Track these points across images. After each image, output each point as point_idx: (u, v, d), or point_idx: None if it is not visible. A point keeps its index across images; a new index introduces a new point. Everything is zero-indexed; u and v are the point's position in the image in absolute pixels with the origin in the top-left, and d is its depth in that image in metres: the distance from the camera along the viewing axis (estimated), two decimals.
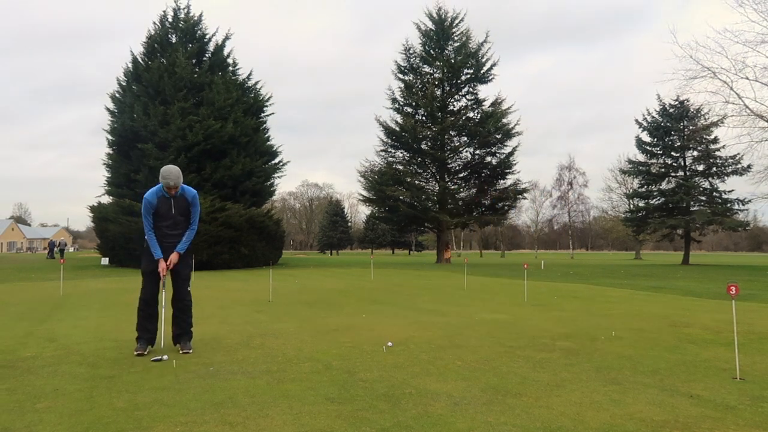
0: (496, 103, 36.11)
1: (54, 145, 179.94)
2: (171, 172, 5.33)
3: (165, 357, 5.13)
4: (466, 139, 36.69)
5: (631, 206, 48.76)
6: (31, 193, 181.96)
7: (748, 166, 34.42)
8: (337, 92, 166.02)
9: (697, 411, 3.57)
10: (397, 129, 36.13)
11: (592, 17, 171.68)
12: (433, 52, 36.77)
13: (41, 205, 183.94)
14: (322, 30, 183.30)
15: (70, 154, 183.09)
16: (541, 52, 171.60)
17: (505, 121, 35.50)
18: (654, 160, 41.03)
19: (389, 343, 5.73)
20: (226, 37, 29.84)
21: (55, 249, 44.46)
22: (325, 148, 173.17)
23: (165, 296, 5.63)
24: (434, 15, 36.64)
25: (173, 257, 5.46)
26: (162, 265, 5.39)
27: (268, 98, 30.99)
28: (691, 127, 38.03)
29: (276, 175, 31.44)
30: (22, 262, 35.55)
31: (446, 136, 36.27)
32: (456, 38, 36.79)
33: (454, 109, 37.05)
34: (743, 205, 37.25)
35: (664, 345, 5.81)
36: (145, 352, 5.33)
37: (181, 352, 5.41)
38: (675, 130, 39.22)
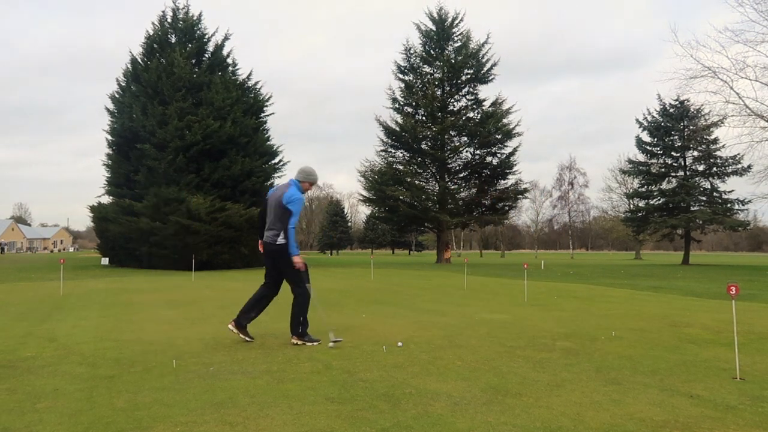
0: (496, 104, 36.12)
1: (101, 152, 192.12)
2: (315, 171, 5.94)
3: (340, 339, 5.76)
4: (466, 139, 36.68)
5: (631, 206, 48.76)
6: (31, 194, 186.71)
7: (749, 166, 34.42)
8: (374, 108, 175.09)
9: (697, 411, 3.57)
10: (397, 129, 36.13)
11: (608, 54, 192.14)
12: (433, 52, 36.77)
13: (41, 206, 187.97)
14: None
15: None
16: (564, 79, 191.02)
17: (505, 121, 35.50)
18: (654, 160, 41.02)
19: (399, 343, 5.77)
20: (226, 37, 29.85)
21: None
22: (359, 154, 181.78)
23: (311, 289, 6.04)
24: (435, 15, 36.64)
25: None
26: (300, 260, 5.81)
27: (268, 98, 31.02)
28: (691, 127, 38.03)
29: (276, 175, 31.47)
30: (22, 262, 35.55)
31: (446, 136, 36.26)
32: (456, 38, 36.80)
33: (455, 109, 37.04)
34: (743, 205, 37.27)
35: (664, 345, 5.81)
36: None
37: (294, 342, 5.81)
38: (675, 130, 39.21)
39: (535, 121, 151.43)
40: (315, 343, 5.71)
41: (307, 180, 5.90)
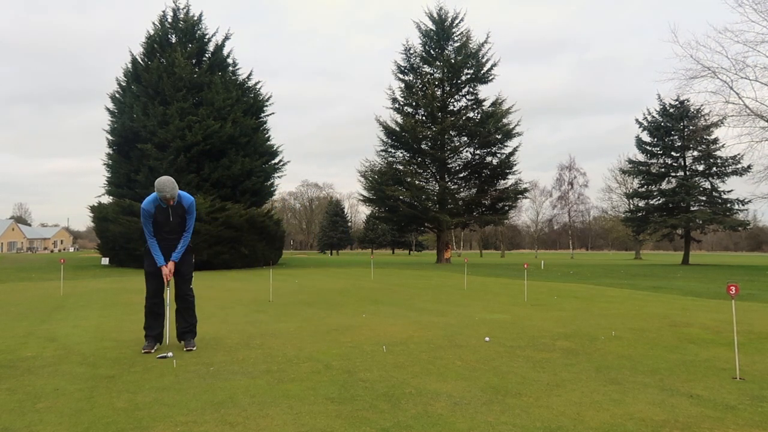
0: (496, 104, 36.12)
1: None
2: (165, 185, 5.32)
3: (170, 354, 5.19)
4: (466, 139, 36.69)
5: (631, 206, 48.78)
6: (31, 195, 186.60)
7: (748, 166, 34.48)
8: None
9: (697, 411, 3.57)
10: (397, 129, 36.12)
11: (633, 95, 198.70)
12: (433, 52, 36.77)
13: (41, 206, 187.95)
14: None
15: None
16: (598, 113, 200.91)
17: (505, 121, 35.50)
18: (654, 160, 41.05)
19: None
20: (226, 37, 29.86)
21: None
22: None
23: (169, 295, 5.69)
24: (434, 15, 36.64)
25: (170, 265, 5.52)
26: (164, 271, 5.48)
27: (268, 98, 31.04)
28: (691, 127, 38.05)
29: (276, 174, 31.50)
30: (22, 262, 35.55)
31: (446, 136, 36.26)
32: (456, 38, 36.80)
33: (454, 109, 37.05)
34: (743, 205, 37.31)
35: (664, 345, 5.81)
36: (153, 350, 5.40)
37: (185, 349, 5.49)
38: (675, 130, 39.23)
39: (560, 139, 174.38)
40: (144, 351, 5.37)
41: (158, 194, 5.41)
